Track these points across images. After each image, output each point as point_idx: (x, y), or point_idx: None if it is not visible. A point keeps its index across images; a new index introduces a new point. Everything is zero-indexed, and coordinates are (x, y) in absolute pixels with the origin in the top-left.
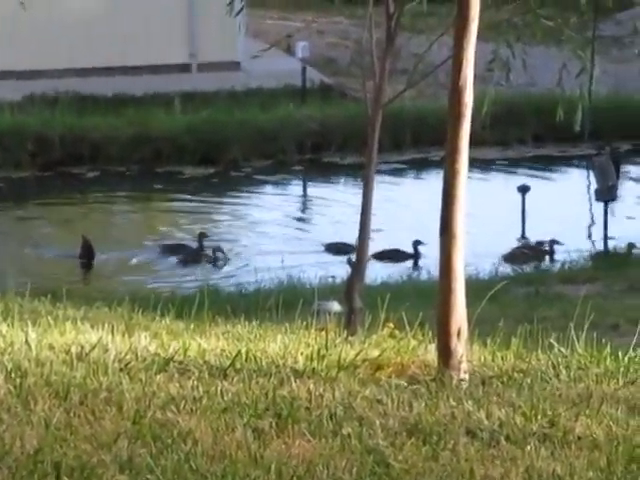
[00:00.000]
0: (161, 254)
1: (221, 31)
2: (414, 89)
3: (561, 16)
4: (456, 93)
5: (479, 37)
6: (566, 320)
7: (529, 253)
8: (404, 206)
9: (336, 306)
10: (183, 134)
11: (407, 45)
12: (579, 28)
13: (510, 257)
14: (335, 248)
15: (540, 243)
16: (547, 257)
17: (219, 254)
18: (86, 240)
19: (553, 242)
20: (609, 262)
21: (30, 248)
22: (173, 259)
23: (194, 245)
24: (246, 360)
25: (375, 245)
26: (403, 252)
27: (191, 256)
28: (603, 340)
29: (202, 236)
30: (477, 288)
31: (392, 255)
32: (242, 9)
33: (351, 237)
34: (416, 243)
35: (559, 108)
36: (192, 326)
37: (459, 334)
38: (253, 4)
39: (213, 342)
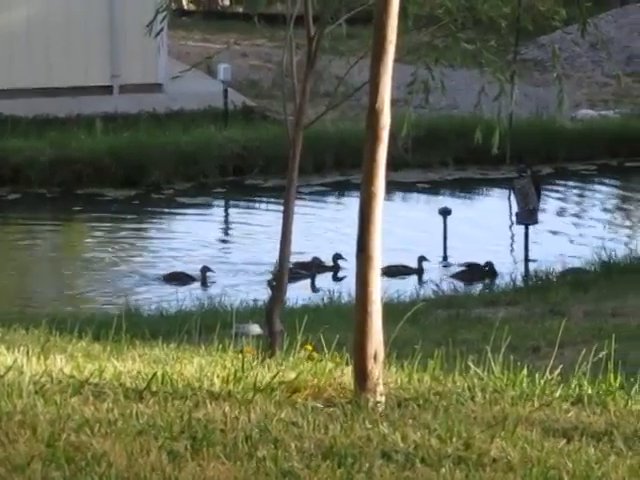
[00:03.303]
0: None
1: (143, 53)
2: (336, 111)
3: (482, 39)
4: (373, 115)
5: (402, 60)
6: (486, 343)
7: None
8: (325, 228)
9: (257, 329)
10: (104, 156)
11: (330, 67)
12: (500, 51)
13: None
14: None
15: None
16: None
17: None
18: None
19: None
20: (530, 285)
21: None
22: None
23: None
24: (162, 382)
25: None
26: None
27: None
28: (523, 363)
29: (337, 257)
30: (398, 310)
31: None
32: (162, 30)
33: (272, 259)
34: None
35: (477, 131)
36: (109, 348)
37: (376, 356)
38: (175, 26)
39: (129, 364)
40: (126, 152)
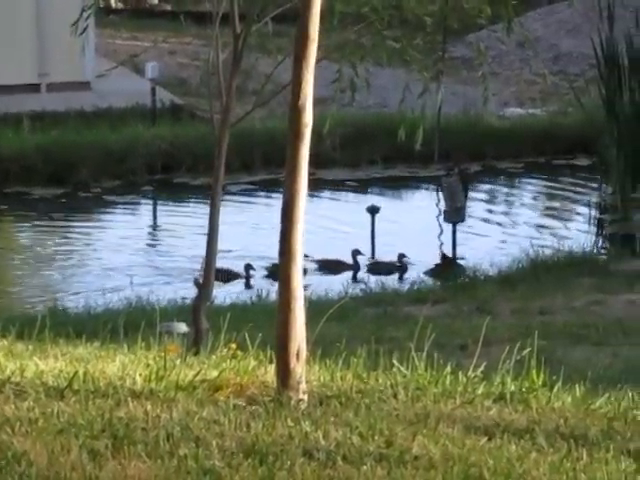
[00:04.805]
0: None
1: (71, 51)
2: (265, 109)
3: (410, 37)
4: (295, 113)
5: (330, 58)
6: (413, 341)
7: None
8: (253, 227)
9: (183, 327)
10: (32, 154)
11: (259, 66)
12: (427, 49)
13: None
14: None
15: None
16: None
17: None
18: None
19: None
20: (458, 283)
21: None
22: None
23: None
24: (84, 381)
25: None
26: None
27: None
28: (450, 361)
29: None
30: (325, 308)
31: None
32: (86, 28)
33: (199, 257)
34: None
35: (401, 128)
36: (31, 347)
37: (298, 354)
38: (103, 24)
39: (52, 363)
40: (54, 150)
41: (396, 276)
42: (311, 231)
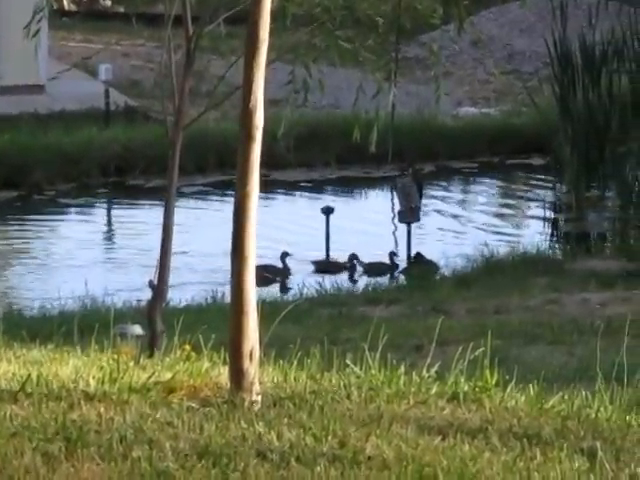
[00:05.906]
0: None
1: (24, 54)
2: (218, 111)
3: (362, 38)
4: (247, 115)
5: (283, 59)
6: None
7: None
8: (208, 228)
9: (138, 329)
10: None
11: (212, 67)
12: (379, 50)
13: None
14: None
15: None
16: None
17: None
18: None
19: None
20: (412, 283)
21: None
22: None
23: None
24: (37, 384)
25: (183, 267)
26: None
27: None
28: (405, 361)
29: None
30: (281, 309)
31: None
32: (39, 31)
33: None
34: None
35: (356, 129)
36: None
37: (251, 355)
38: (56, 27)
39: (5, 366)
40: (7, 153)
41: (350, 276)
42: (264, 233)
